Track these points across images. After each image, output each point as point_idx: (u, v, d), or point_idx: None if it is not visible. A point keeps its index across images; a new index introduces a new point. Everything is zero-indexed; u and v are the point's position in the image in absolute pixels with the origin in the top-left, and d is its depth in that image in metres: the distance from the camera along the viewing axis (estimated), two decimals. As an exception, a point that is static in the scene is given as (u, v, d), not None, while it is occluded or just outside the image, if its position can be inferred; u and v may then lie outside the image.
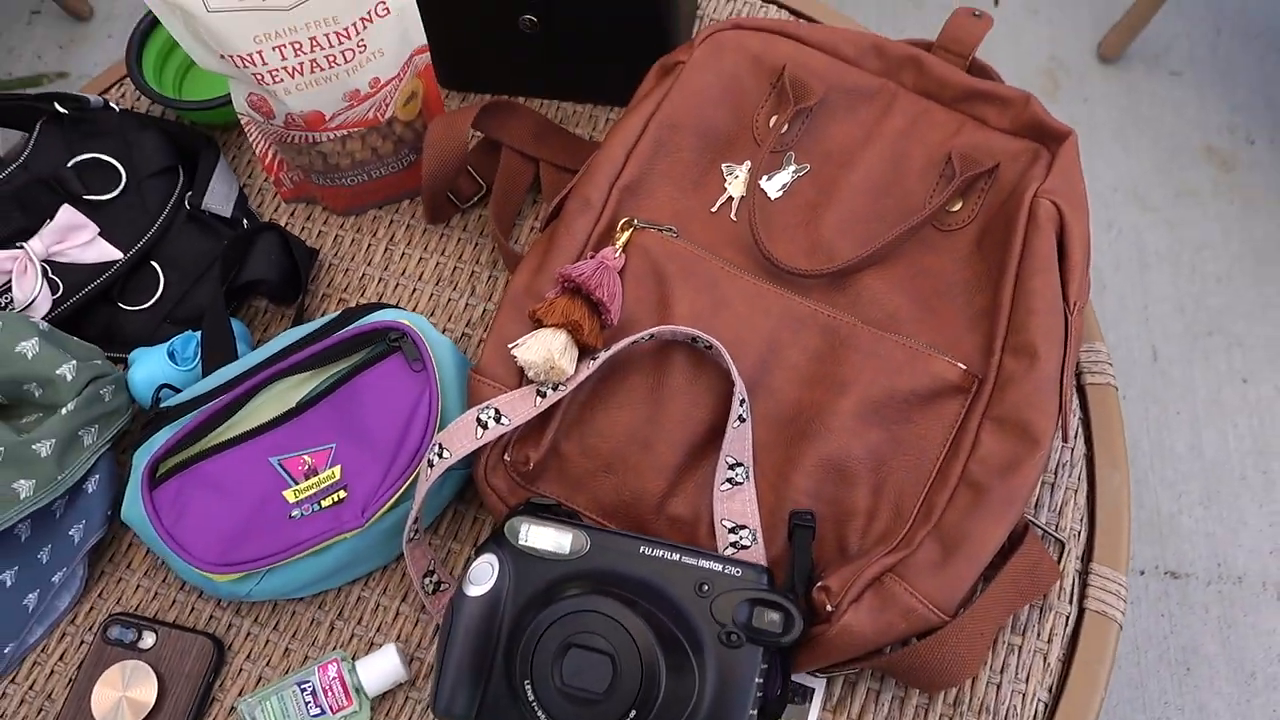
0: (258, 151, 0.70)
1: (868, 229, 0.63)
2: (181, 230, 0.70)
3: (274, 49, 0.60)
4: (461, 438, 0.56)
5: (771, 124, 0.65)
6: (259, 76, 0.61)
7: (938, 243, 0.63)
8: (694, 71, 0.65)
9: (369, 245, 0.73)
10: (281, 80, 0.61)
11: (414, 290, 0.71)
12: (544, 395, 0.57)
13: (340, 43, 0.61)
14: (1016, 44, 1.52)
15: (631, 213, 0.63)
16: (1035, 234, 0.58)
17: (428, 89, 0.69)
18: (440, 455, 0.56)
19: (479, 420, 0.56)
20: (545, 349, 0.56)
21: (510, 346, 0.57)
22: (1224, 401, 1.23)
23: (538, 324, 0.58)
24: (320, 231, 0.74)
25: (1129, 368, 1.25)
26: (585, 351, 0.58)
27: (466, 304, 0.70)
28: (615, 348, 0.57)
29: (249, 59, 0.60)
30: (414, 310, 0.70)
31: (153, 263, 0.69)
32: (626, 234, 0.61)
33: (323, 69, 0.61)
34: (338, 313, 0.63)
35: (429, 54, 0.67)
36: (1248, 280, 1.31)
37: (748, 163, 0.65)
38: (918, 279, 0.62)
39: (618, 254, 0.60)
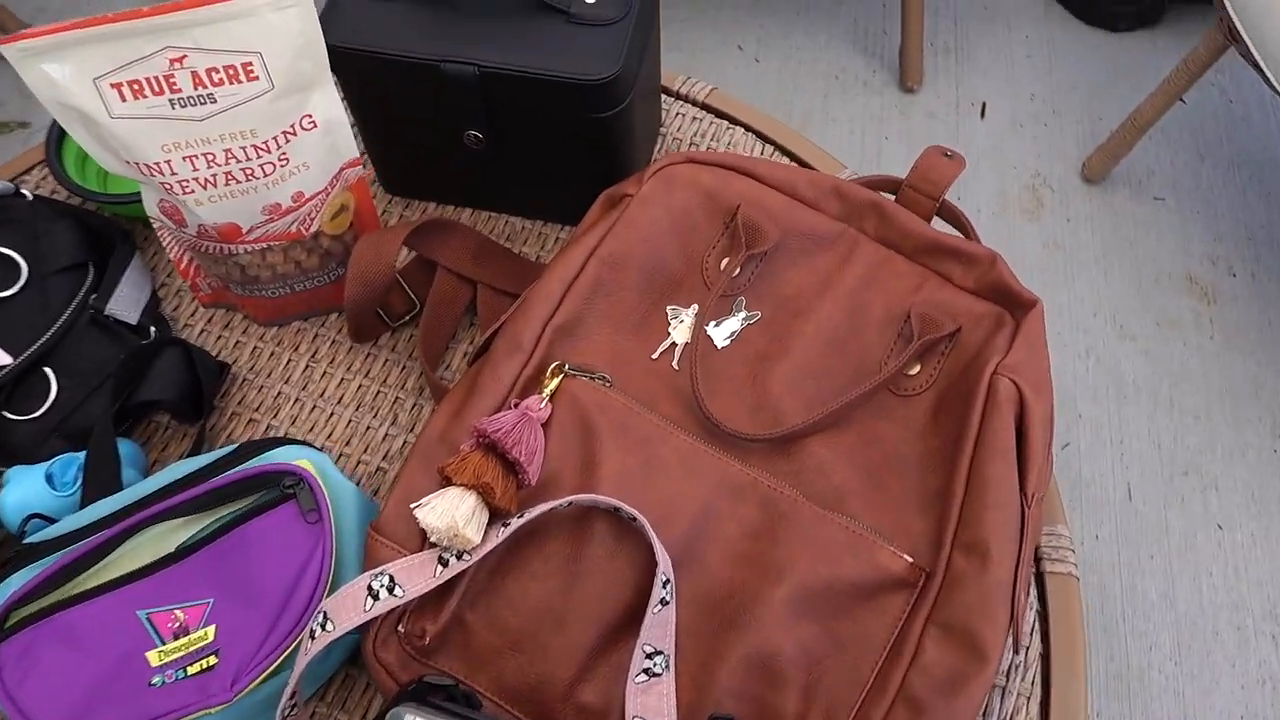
0: (172, 256, 0.65)
1: (819, 386, 0.58)
2: (83, 334, 0.64)
3: (184, 159, 0.55)
4: (349, 609, 0.50)
5: (723, 266, 0.61)
6: (167, 186, 0.56)
7: (892, 409, 0.58)
8: (642, 206, 0.60)
9: (289, 360, 0.68)
10: (193, 191, 0.57)
11: (331, 415, 0.66)
12: (446, 564, 0.51)
13: (258, 156, 0.56)
14: (1001, 158, 1.50)
15: (565, 356, 0.58)
16: (993, 415, 0.53)
17: (360, 203, 0.64)
18: (324, 627, 0.50)
19: (370, 589, 0.51)
20: (450, 514, 0.50)
21: (413, 506, 0.52)
22: (1198, 548, 1.18)
23: (447, 481, 0.53)
24: (238, 341, 0.68)
25: (1102, 506, 1.20)
26: (497, 515, 0.53)
27: (386, 433, 0.65)
28: (529, 515, 0.51)
29: (156, 168, 0.55)
30: (329, 438, 0.65)
31: (46, 368, 0.63)
32: (556, 381, 0.56)
33: (239, 181, 0.57)
34: (235, 446, 0.57)
35: (361, 167, 0.62)
36: (1226, 420, 1.27)
37: (695, 306, 0.60)
38: (868, 448, 0.57)
39: (543, 404, 0.55)
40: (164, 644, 0.52)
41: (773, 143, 0.76)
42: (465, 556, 0.51)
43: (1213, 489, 1.22)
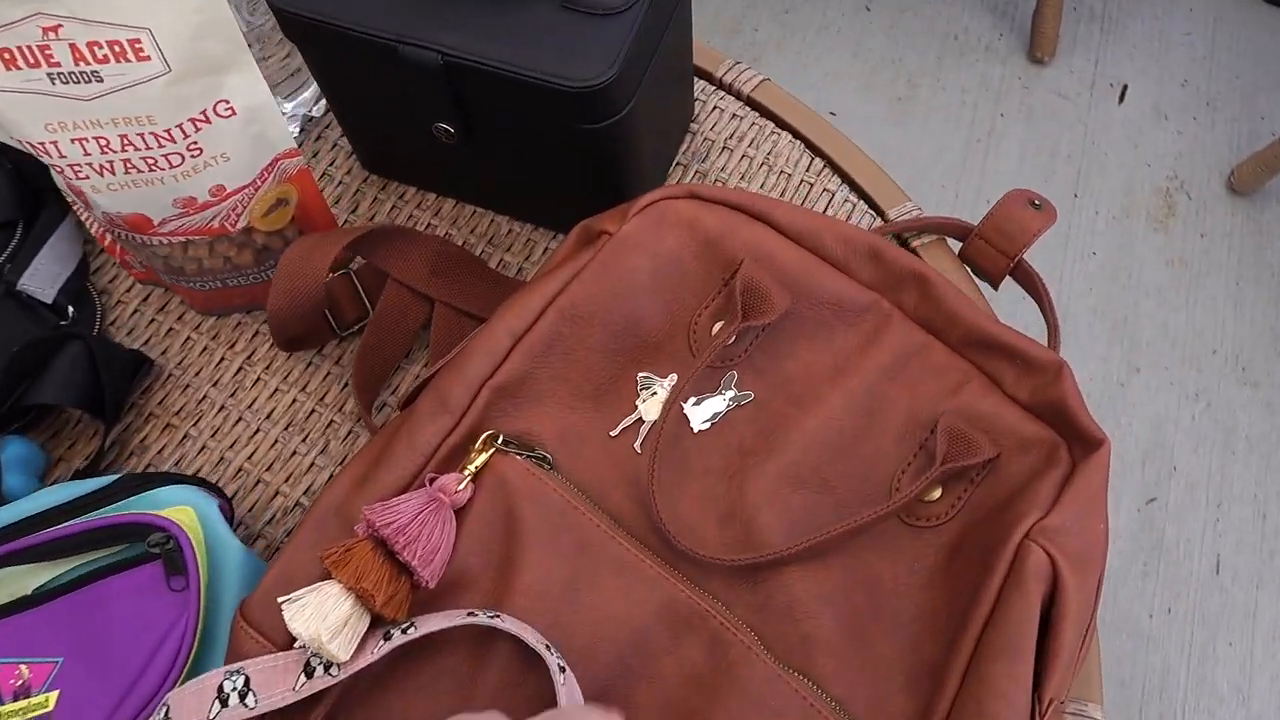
0: (94, 233, 0.57)
1: (809, 502, 0.47)
2: (-2, 307, 0.57)
3: (73, 141, 0.46)
4: (191, 709, 0.42)
5: (715, 331, 0.49)
6: (59, 169, 0.48)
7: (896, 541, 0.46)
8: (621, 249, 0.49)
9: (221, 359, 0.59)
10: (88, 177, 0.48)
11: (256, 431, 0.57)
12: (311, 675, 0.43)
13: (160, 145, 0.46)
14: (1134, 153, 1.30)
15: (503, 424, 0.48)
16: (1014, 593, 0.41)
17: (304, 197, 0.54)
18: (162, 726, 0.42)
19: (220, 691, 0.43)
20: (317, 623, 0.41)
21: (281, 600, 0.43)
22: (1289, 643, 1.03)
23: (328, 573, 0.44)
24: (171, 329, 0.60)
25: (1182, 576, 1.05)
26: (380, 621, 0.44)
27: (314, 462, 0.56)
28: (413, 633, 0.42)
29: (43, 148, 0.46)
30: (249, 459, 0.56)
31: (-51, 344, 0.56)
32: (484, 456, 0.46)
33: (140, 171, 0.48)
34: (114, 478, 0.49)
35: (300, 159, 0.52)
36: (1350, 496, 1.09)
37: (673, 376, 0.49)
38: (857, 591, 0.45)
39: (462, 485, 0.46)
40: (2, 703, 0.46)
41: (825, 157, 0.63)
42: (335, 669, 0.43)
43: (1318, 577, 1.05)
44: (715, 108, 0.64)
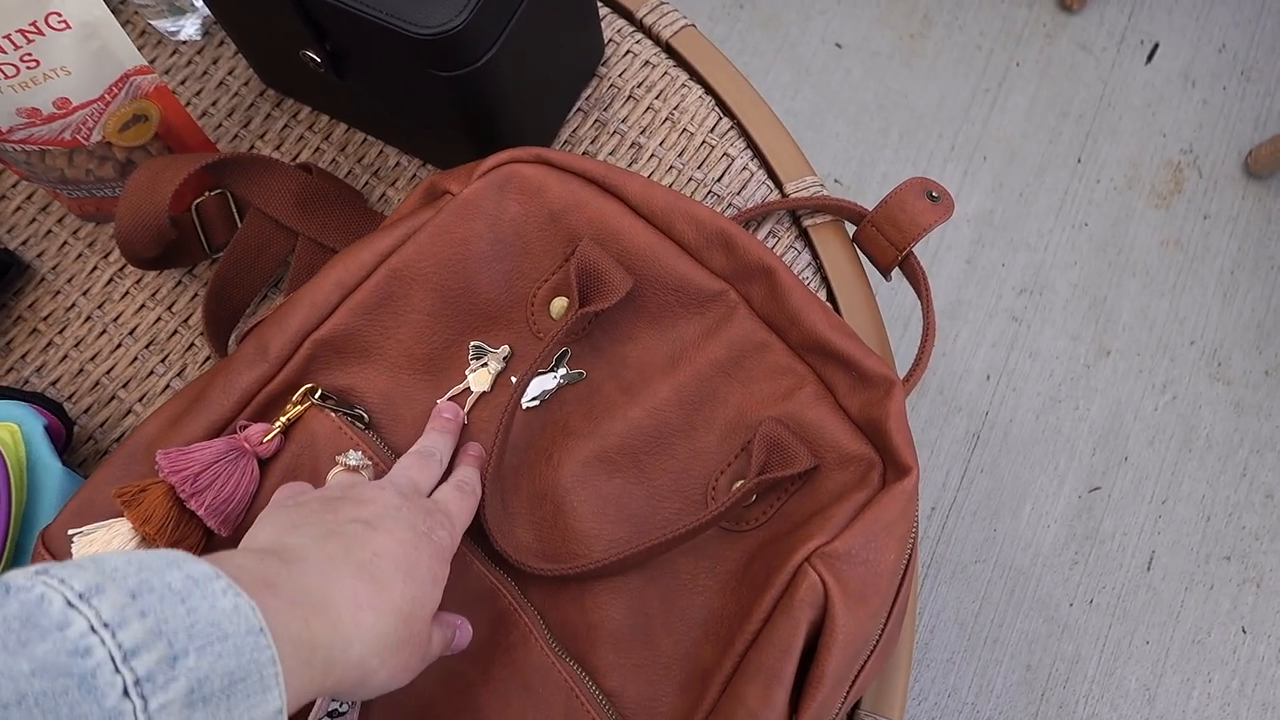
0: (-38, 129, 0.55)
1: (621, 491, 0.46)
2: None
3: (-99, 42, 0.45)
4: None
5: (552, 309, 0.48)
6: (-107, 68, 0.46)
7: (704, 539, 0.45)
8: (461, 213, 0.47)
9: (94, 268, 0.59)
10: (-77, 79, 0.46)
11: (119, 346, 0.57)
12: (94, 608, 0.43)
13: (-9, 55, 0.45)
14: (1151, 119, 1.22)
15: (326, 377, 0.47)
16: (782, 617, 0.40)
17: (169, 114, 0.53)
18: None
19: (7, 613, 0.43)
20: (95, 560, 0.42)
21: (71, 532, 0.43)
22: (1208, 647, 1.01)
23: (122, 510, 0.44)
24: (50, 231, 0.60)
25: (1111, 568, 1.04)
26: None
27: (169, 385, 0.56)
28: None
29: (-127, 45, 0.45)
30: (108, 374, 0.56)
31: None
32: (300, 409, 0.46)
33: (-24, 79, 0.46)
34: (-52, 385, 0.50)
35: (154, 75, 0.50)
36: (1304, 507, 1.06)
37: (506, 348, 0.48)
38: (652, 583, 0.45)
39: (270, 437, 0.45)
40: None
41: (734, 118, 0.59)
42: (118, 606, 0.43)
43: (1253, 585, 1.03)
44: (629, 51, 0.61)
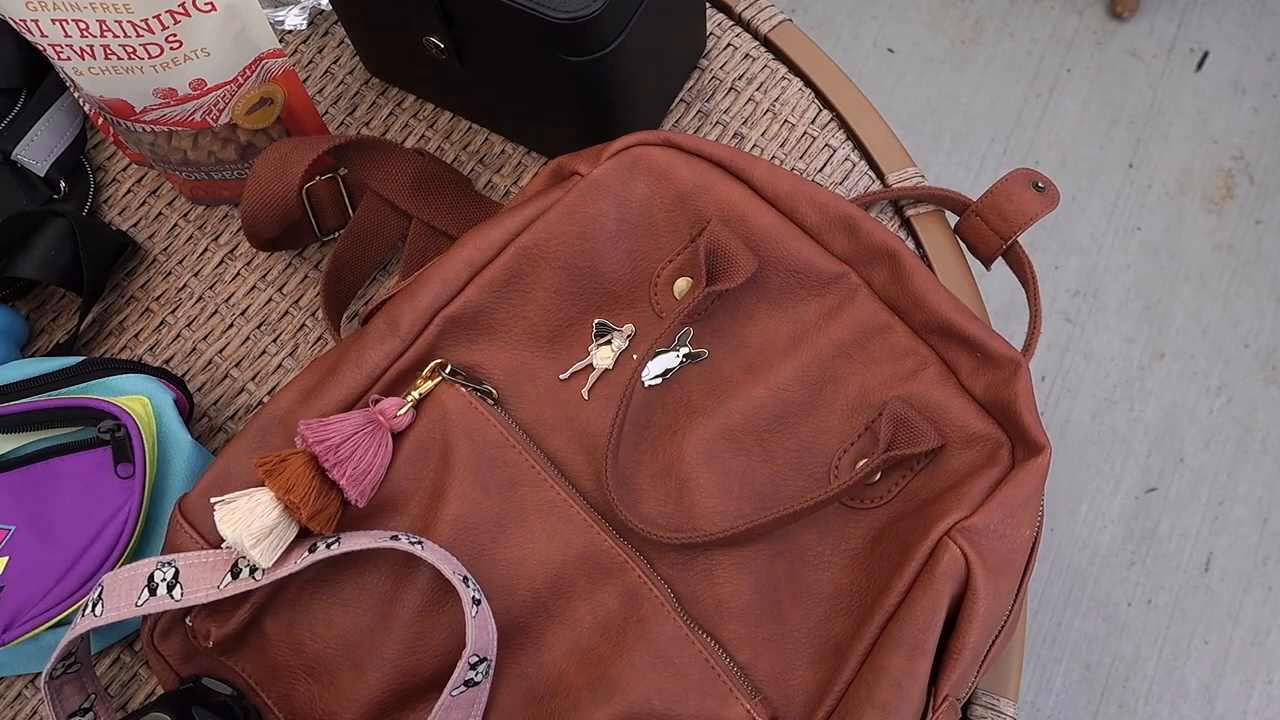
0: (88, 111, 0.57)
1: (746, 469, 0.47)
2: (-7, 174, 0.58)
3: (53, 21, 0.46)
4: (123, 594, 0.44)
5: (676, 289, 0.49)
6: (42, 48, 0.48)
7: (828, 516, 0.46)
8: (590, 193, 0.48)
9: (205, 250, 0.60)
10: (70, 59, 0.48)
11: (230, 326, 0.58)
12: (237, 575, 0.44)
13: (139, 35, 0.46)
14: (1202, 125, 1.23)
15: (454, 353, 0.48)
16: (923, 590, 0.41)
17: (292, 98, 0.54)
18: (95, 609, 0.44)
19: (150, 580, 0.44)
20: (243, 528, 0.43)
21: (213, 500, 0.44)
22: (1268, 649, 1.01)
23: (262, 481, 0.45)
24: (161, 214, 0.61)
25: (1169, 569, 1.04)
26: (308, 533, 0.45)
27: (280, 364, 0.57)
28: (336, 549, 0.43)
29: (25, 25, 0.46)
30: (220, 353, 0.58)
31: (-58, 208, 0.58)
32: (430, 384, 0.47)
33: (120, 58, 0.47)
34: (78, 360, 0.51)
35: (285, 58, 0.51)
36: (1361, 511, 1.06)
37: (630, 327, 0.49)
38: (778, 560, 0.46)
39: (404, 410, 0.46)
40: (-45, 561, 0.48)
41: (834, 110, 0.60)
42: (260, 573, 0.44)
43: (1309, 587, 1.03)
44: (729, 45, 0.62)
